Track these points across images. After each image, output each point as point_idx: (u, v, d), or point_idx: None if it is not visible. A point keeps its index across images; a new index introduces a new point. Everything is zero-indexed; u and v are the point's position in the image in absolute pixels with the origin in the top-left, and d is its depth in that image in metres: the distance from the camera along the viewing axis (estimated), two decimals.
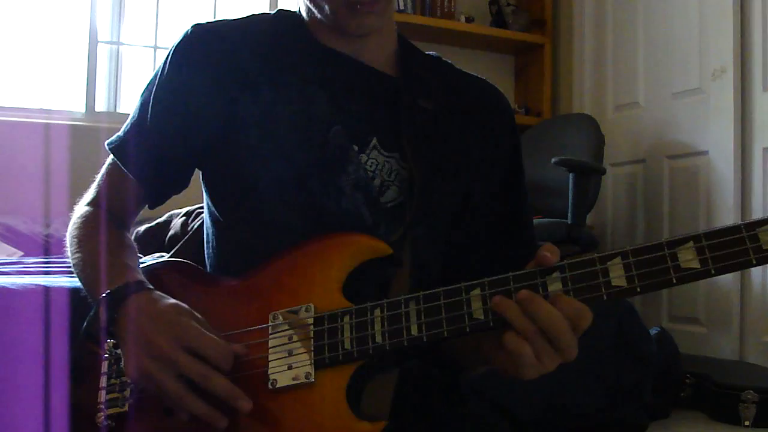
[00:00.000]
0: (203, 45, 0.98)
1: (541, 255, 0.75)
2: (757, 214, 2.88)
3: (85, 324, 0.96)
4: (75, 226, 1.01)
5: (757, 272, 2.83)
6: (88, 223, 1.01)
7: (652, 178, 3.37)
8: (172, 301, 0.84)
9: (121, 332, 0.84)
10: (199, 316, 0.83)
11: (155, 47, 3.53)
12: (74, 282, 0.99)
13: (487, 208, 1.02)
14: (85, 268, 0.95)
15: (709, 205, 3.06)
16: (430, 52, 1.09)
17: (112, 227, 1.00)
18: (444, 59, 1.09)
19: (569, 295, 0.74)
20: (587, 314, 0.73)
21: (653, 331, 2.44)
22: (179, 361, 0.78)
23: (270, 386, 0.81)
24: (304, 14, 1.02)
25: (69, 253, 0.99)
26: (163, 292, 0.90)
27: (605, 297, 0.73)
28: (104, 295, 0.86)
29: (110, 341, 0.88)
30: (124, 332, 0.83)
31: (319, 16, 0.96)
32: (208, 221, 1.04)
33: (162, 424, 0.84)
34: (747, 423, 2.26)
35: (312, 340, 0.81)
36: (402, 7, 3.62)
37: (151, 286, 0.88)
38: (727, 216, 2.94)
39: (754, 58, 2.92)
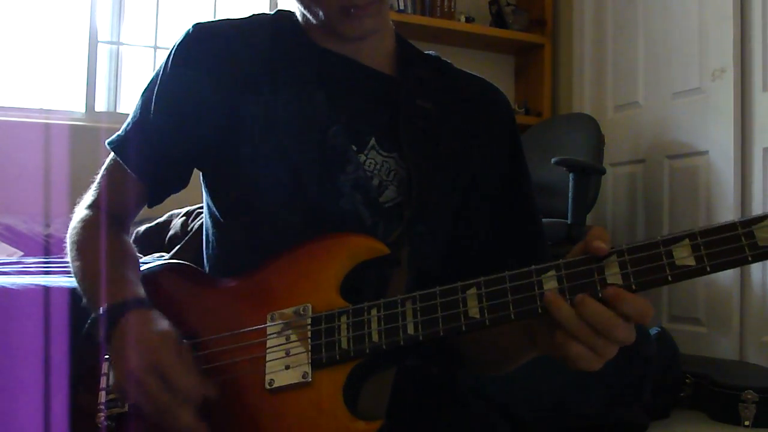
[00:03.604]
0: (204, 44, 0.98)
1: (594, 246, 0.73)
2: (756, 213, 2.87)
3: (86, 325, 0.96)
4: (75, 231, 1.01)
5: (757, 272, 2.83)
6: (88, 228, 1.00)
7: (652, 178, 3.37)
8: (163, 327, 0.85)
9: (112, 348, 0.85)
10: (185, 347, 0.84)
11: (155, 47, 3.54)
12: (74, 282, 0.99)
13: (488, 208, 1.02)
14: (85, 277, 0.95)
15: (709, 205, 3.06)
16: (429, 52, 1.09)
17: (112, 233, 0.99)
18: (442, 59, 1.09)
19: (564, 294, 0.74)
20: (649, 311, 0.72)
21: (653, 331, 2.44)
22: (148, 386, 0.79)
23: (267, 386, 0.81)
24: (299, 18, 1.02)
25: (69, 258, 0.99)
26: (162, 294, 0.91)
27: (600, 295, 0.73)
28: (102, 311, 0.87)
29: None
30: (113, 348, 0.85)
31: (313, 20, 0.96)
32: (208, 221, 1.04)
33: (162, 424, 0.85)
34: (747, 423, 2.26)
35: (309, 339, 0.81)
36: (402, 7, 3.62)
37: (149, 305, 0.88)
38: (727, 216, 2.94)
39: (754, 58, 2.92)
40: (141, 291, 0.90)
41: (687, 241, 0.71)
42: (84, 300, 0.94)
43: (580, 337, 0.72)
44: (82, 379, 0.94)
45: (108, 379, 0.88)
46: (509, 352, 0.93)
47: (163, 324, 0.85)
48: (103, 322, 0.86)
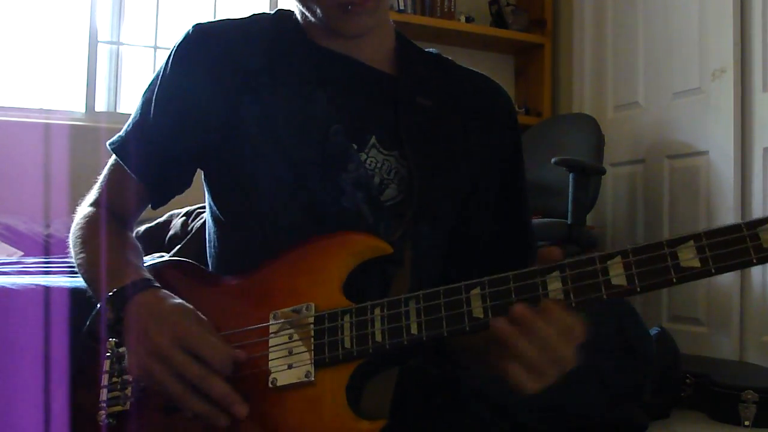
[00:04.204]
0: (204, 45, 0.98)
1: (548, 249, 0.75)
2: (757, 214, 2.87)
3: (87, 323, 0.96)
4: (78, 227, 1.01)
5: (757, 272, 2.83)
6: (91, 223, 1.01)
7: (652, 178, 3.37)
8: (178, 301, 0.85)
9: (125, 330, 0.84)
10: (203, 318, 0.84)
11: (155, 47, 3.53)
12: (74, 282, 0.99)
13: (488, 205, 1.02)
14: (90, 267, 0.95)
15: (709, 205, 3.05)
16: (430, 49, 1.09)
17: (115, 228, 1.00)
18: (443, 56, 1.09)
19: (569, 294, 0.74)
20: (577, 327, 0.74)
21: (653, 331, 2.44)
22: (178, 362, 0.78)
23: (270, 385, 0.81)
24: (298, 16, 1.02)
25: (73, 254, 0.99)
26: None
27: (605, 296, 0.73)
28: (111, 293, 0.86)
29: (112, 340, 0.88)
30: (129, 330, 0.83)
31: (312, 19, 0.96)
32: (210, 220, 1.04)
33: (163, 422, 0.85)
34: (747, 423, 2.25)
35: (312, 339, 0.81)
36: (402, 7, 3.62)
37: (158, 284, 0.88)
38: (727, 216, 2.93)
39: (754, 58, 2.92)
40: (145, 273, 0.90)
41: (692, 242, 0.71)
42: (89, 291, 0.94)
43: (528, 360, 0.73)
44: (83, 377, 0.94)
45: (109, 377, 0.88)
46: (471, 362, 0.95)
47: (176, 299, 0.85)
48: (108, 309, 0.86)
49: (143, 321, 0.82)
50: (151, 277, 0.89)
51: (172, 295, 0.86)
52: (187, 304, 0.84)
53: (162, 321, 0.81)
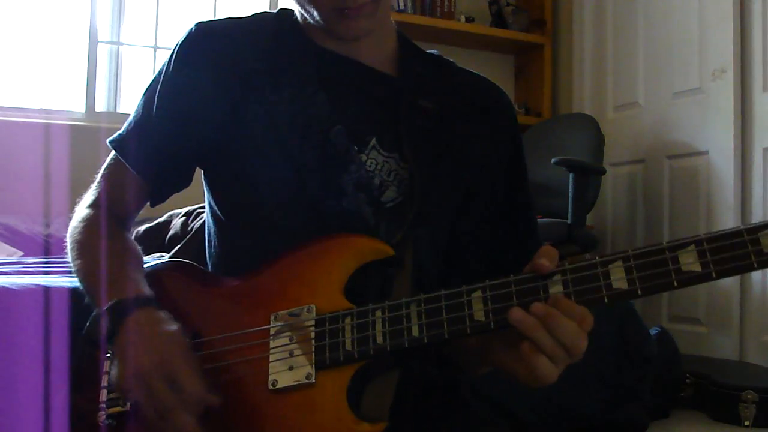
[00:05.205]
0: (206, 43, 0.98)
1: (538, 264, 0.75)
2: (757, 213, 2.87)
3: (87, 324, 0.96)
4: (77, 230, 1.01)
5: (757, 273, 2.82)
6: (90, 227, 1.00)
7: (652, 178, 3.37)
8: (172, 328, 0.85)
9: (116, 343, 0.85)
10: (191, 352, 0.84)
11: (155, 47, 3.53)
12: (74, 282, 0.99)
13: (490, 208, 1.02)
14: (88, 276, 0.95)
15: (709, 205, 3.06)
16: (431, 51, 1.09)
17: (114, 232, 0.99)
18: (445, 58, 1.09)
19: (570, 298, 0.74)
20: (589, 317, 0.74)
21: (653, 331, 2.44)
22: (153, 386, 0.79)
23: (271, 386, 0.81)
24: (298, 17, 1.02)
25: (70, 258, 0.99)
26: (165, 292, 0.91)
27: (606, 300, 0.73)
28: (106, 308, 0.86)
29: None
30: (119, 345, 0.84)
31: (311, 21, 0.96)
32: (210, 221, 1.04)
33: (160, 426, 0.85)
34: (747, 423, 2.26)
35: (313, 341, 0.81)
36: (402, 7, 3.62)
37: (155, 303, 0.88)
38: (727, 216, 2.94)
39: (754, 58, 2.92)
40: (146, 288, 0.90)
41: (693, 246, 0.71)
42: (86, 299, 0.94)
43: (548, 350, 0.74)
44: (83, 378, 0.94)
45: (109, 377, 0.88)
46: (467, 363, 0.95)
47: (172, 324, 0.85)
48: (105, 319, 0.86)
49: (133, 339, 0.83)
50: (150, 294, 0.89)
51: (169, 319, 0.86)
52: (180, 333, 0.85)
53: (150, 343, 0.82)
